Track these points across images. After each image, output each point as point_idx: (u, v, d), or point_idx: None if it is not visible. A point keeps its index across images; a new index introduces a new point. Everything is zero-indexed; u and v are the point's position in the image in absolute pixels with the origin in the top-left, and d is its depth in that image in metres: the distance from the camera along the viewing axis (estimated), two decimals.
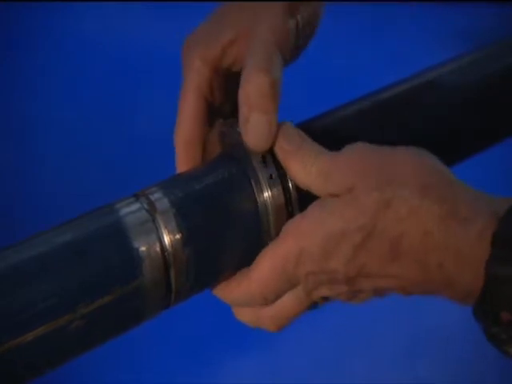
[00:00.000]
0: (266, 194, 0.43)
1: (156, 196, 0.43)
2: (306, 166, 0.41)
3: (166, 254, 0.41)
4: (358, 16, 1.97)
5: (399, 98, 0.51)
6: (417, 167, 0.40)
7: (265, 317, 0.44)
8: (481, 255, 0.37)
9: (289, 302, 0.43)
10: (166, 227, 0.41)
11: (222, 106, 0.49)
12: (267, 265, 0.42)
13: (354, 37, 1.94)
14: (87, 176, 1.52)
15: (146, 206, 0.42)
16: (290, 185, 0.43)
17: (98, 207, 0.43)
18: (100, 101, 1.69)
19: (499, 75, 0.55)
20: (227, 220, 0.44)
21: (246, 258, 0.44)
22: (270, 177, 0.43)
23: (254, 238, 0.44)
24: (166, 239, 0.41)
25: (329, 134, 0.47)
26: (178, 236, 0.42)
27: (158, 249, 0.41)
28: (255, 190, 0.43)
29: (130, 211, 0.42)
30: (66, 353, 0.41)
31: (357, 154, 0.41)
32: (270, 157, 0.43)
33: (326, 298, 0.43)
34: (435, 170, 0.40)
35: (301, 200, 0.43)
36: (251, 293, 0.43)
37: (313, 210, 0.41)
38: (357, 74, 1.73)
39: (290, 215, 0.43)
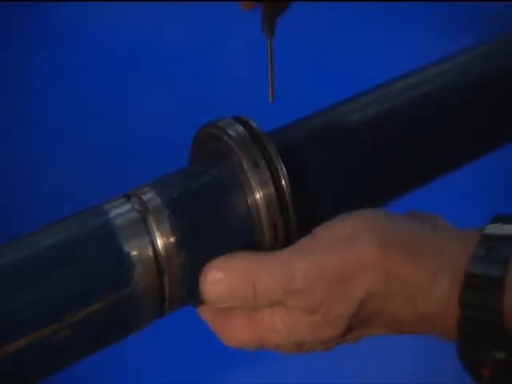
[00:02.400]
0: (258, 196, 0.40)
1: (148, 196, 0.40)
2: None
3: (159, 258, 0.38)
4: (361, 7, 1.96)
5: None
6: (377, 255, 0.38)
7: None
8: (451, 318, 0.36)
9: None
10: (159, 229, 0.39)
11: None
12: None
13: (357, 28, 1.93)
14: (84, 175, 1.51)
15: (137, 206, 0.39)
16: (284, 183, 0.41)
17: (87, 208, 0.40)
18: (95, 99, 1.68)
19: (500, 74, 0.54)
20: (222, 221, 0.41)
21: None
22: (261, 178, 0.40)
23: (247, 239, 0.41)
24: (160, 242, 0.39)
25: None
26: (172, 239, 0.39)
27: (150, 253, 0.38)
28: (246, 192, 0.41)
29: (121, 212, 0.39)
30: (52, 365, 0.38)
31: (314, 260, 0.39)
32: (261, 158, 0.41)
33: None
34: (395, 246, 0.38)
35: (294, 197, 0.41)
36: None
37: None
38: (361, 66, 1.71)
39: (285, 212, 0.41)
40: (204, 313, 0.44)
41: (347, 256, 0.38)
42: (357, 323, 0.39)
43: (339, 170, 0.47)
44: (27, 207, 1.43)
